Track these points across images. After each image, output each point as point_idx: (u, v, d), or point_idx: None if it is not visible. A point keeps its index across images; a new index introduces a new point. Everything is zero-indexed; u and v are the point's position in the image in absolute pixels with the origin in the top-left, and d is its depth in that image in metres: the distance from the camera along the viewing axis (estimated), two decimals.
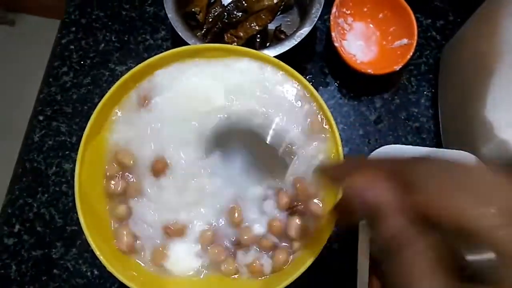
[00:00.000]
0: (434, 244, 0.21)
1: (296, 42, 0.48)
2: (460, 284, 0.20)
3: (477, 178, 0.22)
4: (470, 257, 0.21)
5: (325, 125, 0.39)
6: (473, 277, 0.21)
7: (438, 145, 0.53)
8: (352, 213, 0.26)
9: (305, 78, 0.55)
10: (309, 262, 0.35)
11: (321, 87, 0.55)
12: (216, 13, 0.55)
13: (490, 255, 0.20)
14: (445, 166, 0.23)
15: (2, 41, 1.70)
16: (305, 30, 0.49)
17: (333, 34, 0.51)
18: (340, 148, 0.38)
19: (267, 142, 0.39)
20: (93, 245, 0.37)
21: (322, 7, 0.50)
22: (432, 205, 0.21)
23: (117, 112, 0.41)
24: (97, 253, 0.37)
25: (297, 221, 0.37)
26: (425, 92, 0.56)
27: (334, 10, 0.52)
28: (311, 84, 0.40)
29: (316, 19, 0.49)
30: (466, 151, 0.44)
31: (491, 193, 0.21)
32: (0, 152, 1.50)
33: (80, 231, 0.50)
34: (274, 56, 0.47)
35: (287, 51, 0.48)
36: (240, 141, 0.40)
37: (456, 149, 0.44)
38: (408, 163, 0.24)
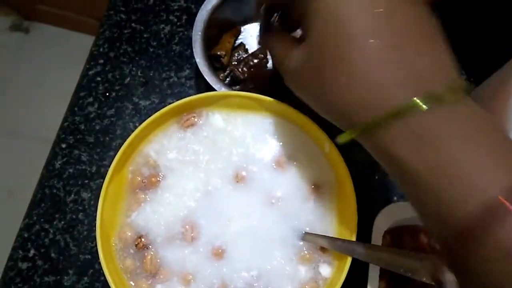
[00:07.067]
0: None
1: None
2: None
3: None
4: None
5: None
6: None
7: None
8: None
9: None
10: None
11: None
12: (239, 57, 0.58)
13: None
14: None
15: (17, 48, 1.74)
16: None
17: None
18: None
19: None
20: (109, 280, 0.38)
21: None
22: None
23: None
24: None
25: None
26: None
27: None
28: None
29: None
30: None
31: None
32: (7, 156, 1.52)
33: (93, 261, 0.51)
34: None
35: None
36: None
37: None
38: None
